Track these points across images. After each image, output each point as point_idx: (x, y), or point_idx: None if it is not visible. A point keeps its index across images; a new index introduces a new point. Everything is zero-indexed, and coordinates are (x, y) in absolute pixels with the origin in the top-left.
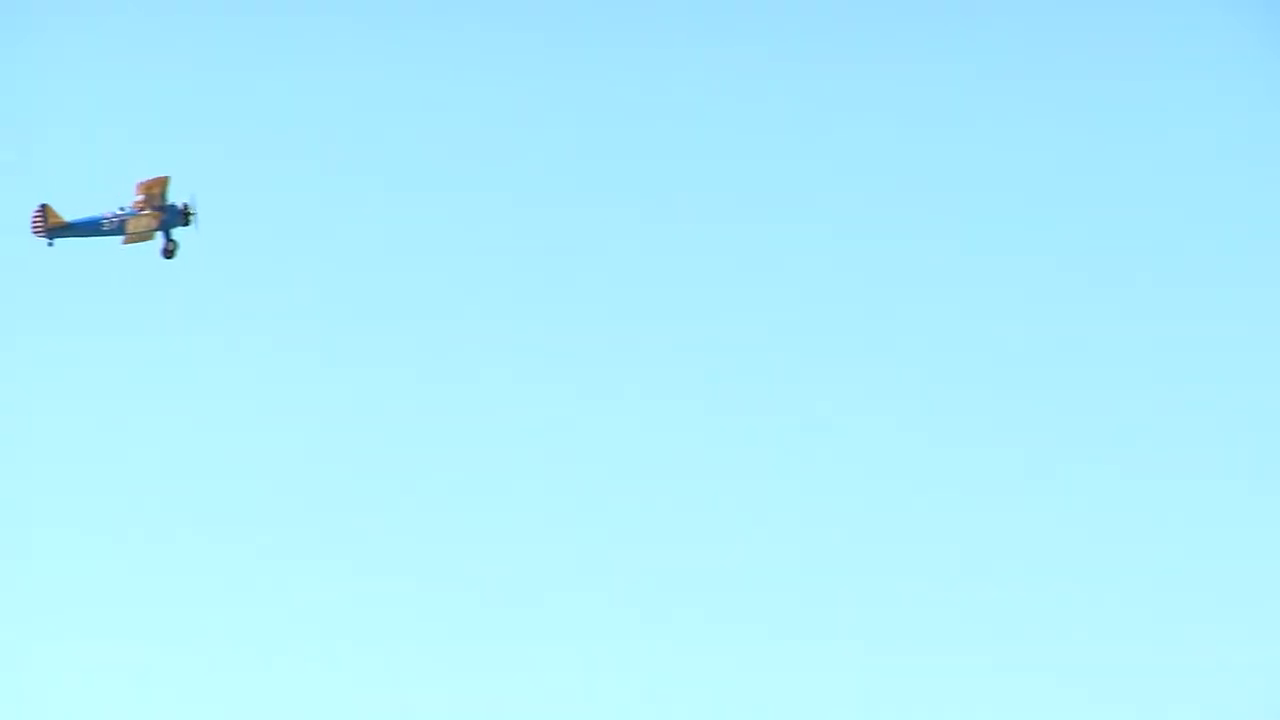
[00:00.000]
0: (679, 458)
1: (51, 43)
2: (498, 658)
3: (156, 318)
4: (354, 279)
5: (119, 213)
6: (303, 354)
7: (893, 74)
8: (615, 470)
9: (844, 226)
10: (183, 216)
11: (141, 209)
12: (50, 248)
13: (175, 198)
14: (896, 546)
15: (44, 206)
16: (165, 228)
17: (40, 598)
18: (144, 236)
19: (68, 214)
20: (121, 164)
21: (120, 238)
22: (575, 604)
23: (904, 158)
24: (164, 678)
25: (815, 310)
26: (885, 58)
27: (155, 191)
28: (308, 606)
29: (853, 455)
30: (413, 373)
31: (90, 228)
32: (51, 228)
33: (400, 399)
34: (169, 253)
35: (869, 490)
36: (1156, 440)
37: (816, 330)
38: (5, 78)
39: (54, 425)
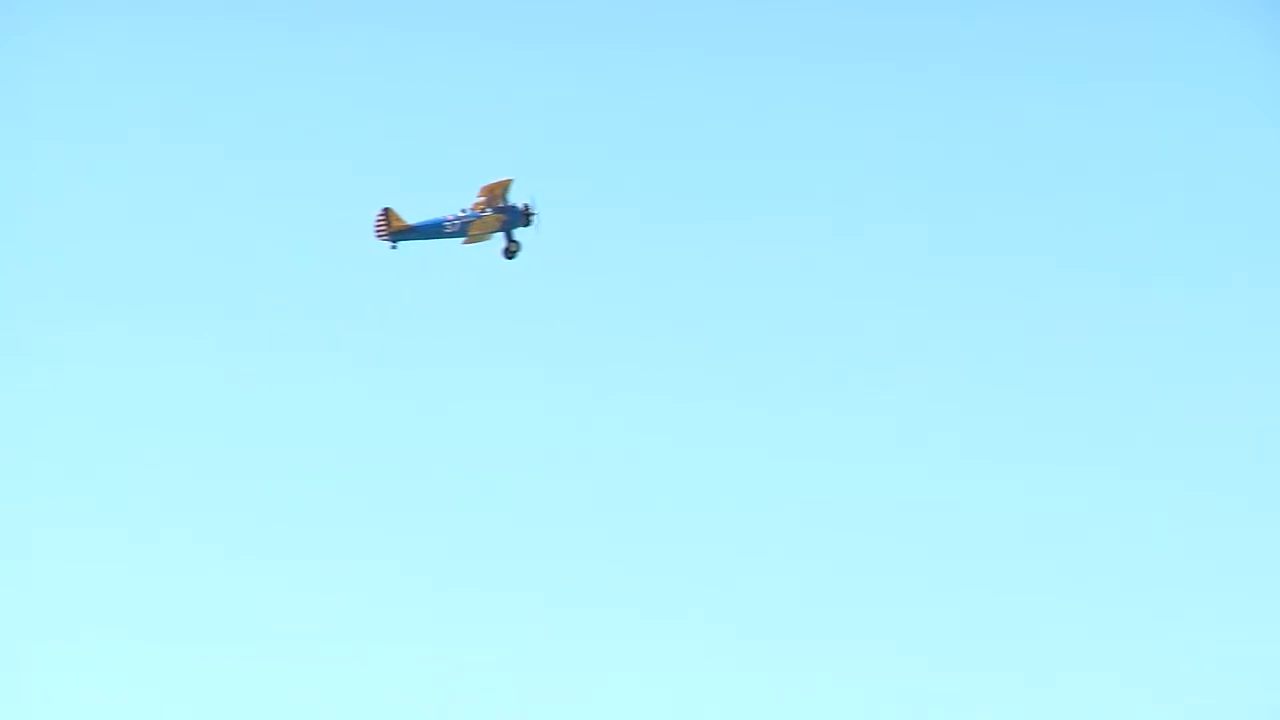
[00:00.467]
0: (678, 456)
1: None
2: (499, 657)
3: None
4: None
5: (461, 215)
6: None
7: (893, 74)
8: (616, 469)
9: (843, 226)
10: (524, 217)
11: (482, 210)
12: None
13: (516, 199)
14: (898, 547)
15: (387, 210)
16: (507, 228)
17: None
18: (486, 237)
19: (409, 217)
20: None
21: (461, 239)
22: (576, 603)
23: (904, 158)
24: (163, 678)
25: (814, 309)
26: (885, 58)
27: (497, 193)
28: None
29: (853, 454)
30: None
31: (433, 230)
32: (395, 231)
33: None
34: (510, 253)
35: (871, 489)
36: (1155, 440)
37: (816, 329)
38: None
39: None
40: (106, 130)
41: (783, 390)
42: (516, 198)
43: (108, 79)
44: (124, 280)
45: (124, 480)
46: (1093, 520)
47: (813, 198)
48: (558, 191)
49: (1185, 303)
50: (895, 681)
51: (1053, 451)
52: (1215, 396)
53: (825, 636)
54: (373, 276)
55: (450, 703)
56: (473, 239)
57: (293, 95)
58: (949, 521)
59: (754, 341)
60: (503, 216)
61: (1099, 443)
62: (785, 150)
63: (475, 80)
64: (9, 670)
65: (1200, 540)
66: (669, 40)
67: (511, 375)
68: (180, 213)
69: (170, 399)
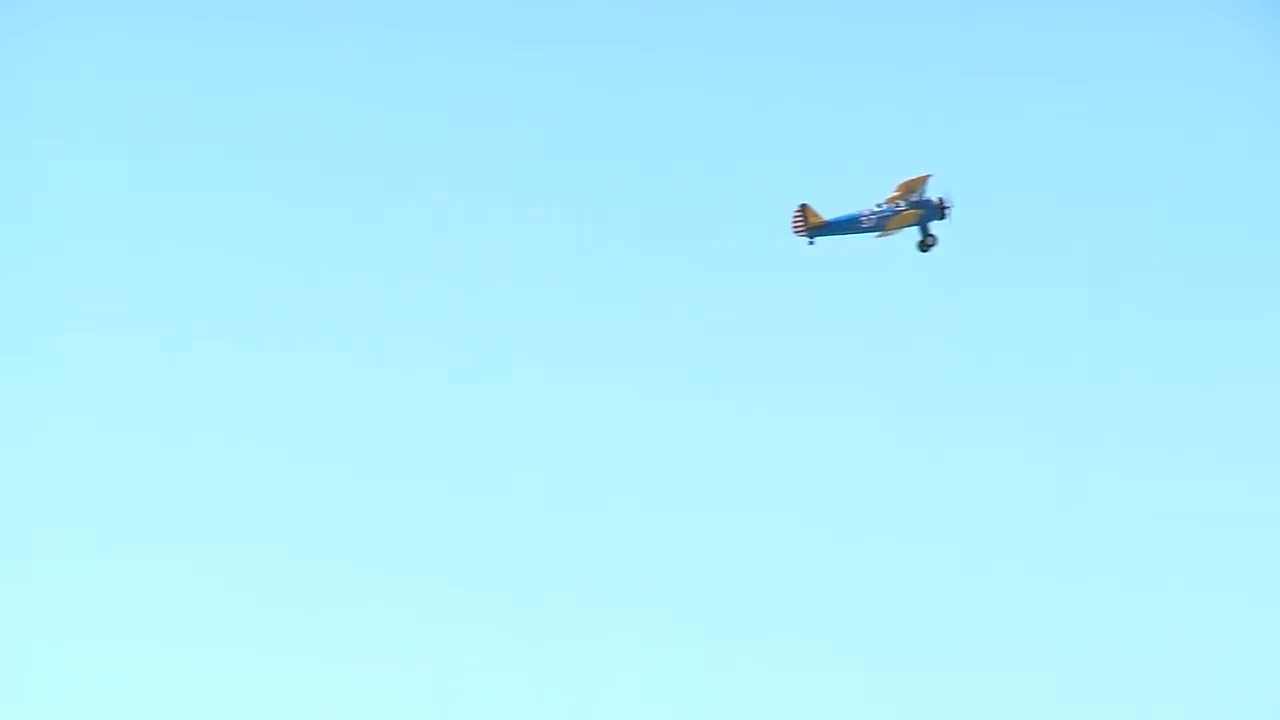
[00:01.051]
0: (678, 456)
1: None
2: (499, 658)
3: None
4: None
5: (877, 209)
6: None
7: (893, 74)
8: (615, 469)
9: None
10: (939, 211)
11: (897, 205)
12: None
13: (932, 193)
14: (900, 547)
15: (803, 207)
16: (922, 222)
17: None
18: (900, 231)
19: (826, 213)
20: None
21: (876, 233)
22: (578, 604)
23: (904, 158)
24: (164, 678)
25: (814, 309)
26: (885, 58)
27: (915, 188)
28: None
29: (852, 455)
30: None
31: (849, 225)
32: (811, 227)
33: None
34: (925, 246)
35: (872, 490)
36: (1154, 440)
37: (815, 329)
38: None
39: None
40: (106, 130)
41: (780, 391)
42: (933, 192)
43: (108, 79)
44: (123, 280)
45: (146, 482)
46: (1087, 521)
47: (812, 198)
48: (557, 192)
49: (1184, 303)
50: (892, 682)
51: (1051, 452)
52: (1215, 396)
53: (826, 638)
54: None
55: (452, 704)
56: (888, 233)
57: (293, 95)
58: (947, 522)
59: (750, 342)
60: (919, 211)
61: (1097, 442)
62: (785, 150)
63: (475, 80)
64: (9, 670)
65: (1198, 541)
66: (669, 40)
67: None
68: (180, 212)
69: (166, 400)
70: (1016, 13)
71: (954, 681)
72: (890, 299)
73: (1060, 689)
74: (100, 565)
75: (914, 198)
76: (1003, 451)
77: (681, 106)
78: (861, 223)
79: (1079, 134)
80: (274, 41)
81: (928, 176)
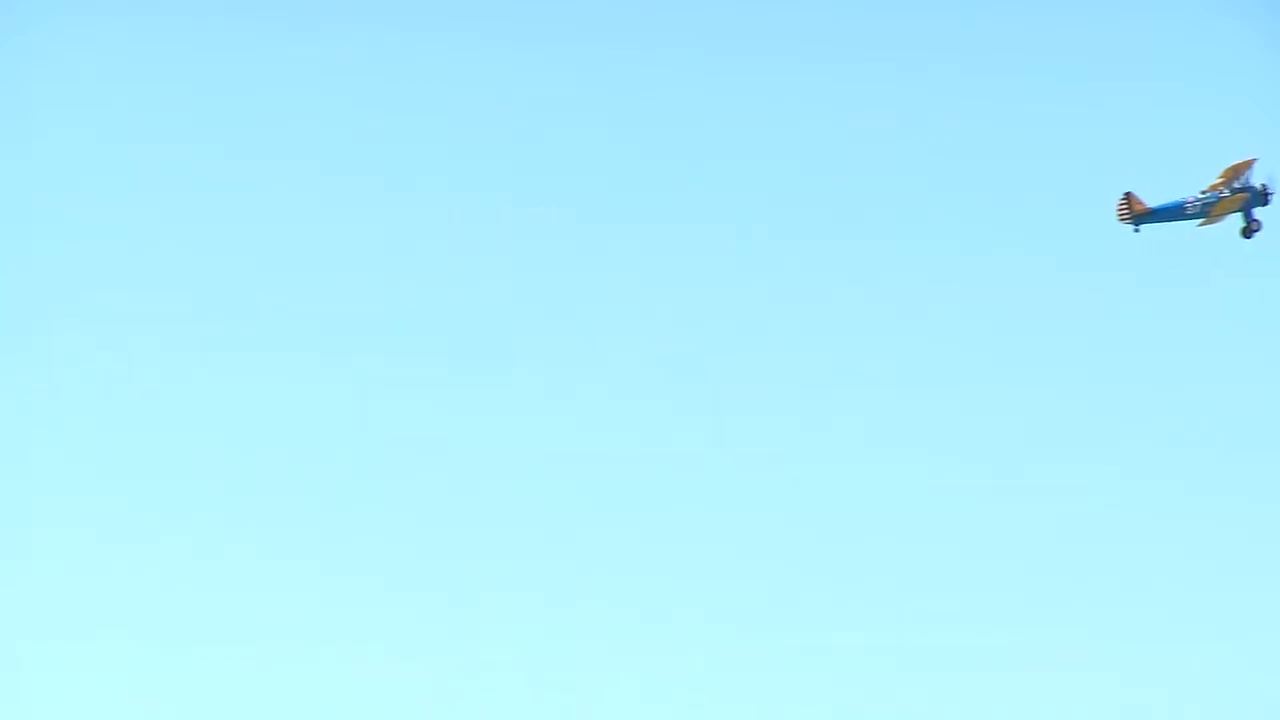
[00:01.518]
0: (678, 456)
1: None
2: (497, 658)
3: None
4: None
5: (1201, 196)
6: None
7: (893, 74)
8: (615, 469)
9: (842, 226)
10: (1262, 196)
11: (1220, 191)
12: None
13: (1257, 179)
14: (899, 547)
15: (1128, 194)
16: (1246, 208)
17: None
18: (1224, 218)
19: (1151, 200)
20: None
21: (1199, 220)
22: (578, 604)
23: (903, 158)
24: (164, 678)
25: (814, 309)
26: (885, 58)
27: (1241, 172)
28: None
29: (851, 455)
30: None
31: (1173, 212)
32: (1136, 214)
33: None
34: (1249, 232)
35: (870, 490)
36: (1154, 441)
37: (815, 329)
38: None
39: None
40: (106, 130)
41: (781, 392)
42: (1258, 177)
43: (108, 79)
44: (123, 280)
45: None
46: (1079, 521)
47: (812, 198)
48: (557, 192)
49: (1185, 302)
50: (892, 682)
51: (1056, 452)
52: (1215, 397)
53: (826, 637)
54: None
55: (453, 704)
56: (1211, 219)
57: (293, 95)
58: (945, 524)
59: (750, 343)
60: (1244, 196)
61: (1099, 443)
62: (785, 150)
63: (475, 80)
64: (9, 670)
65: (1197, 541)
66: (669, 40)
67: None
68: (180, 212)
69: (166, 399)
70: (1016, 13)
71: (956, 682)
72: (887, 298)
73: (1063, 690)
74: (100, 565)
75: (1238, 184)
76: (985, 451)
77: (681, 106)
78: (1186, 209)
79: (1079, 134)
80: (274, 41)
81: (1253, 161)
